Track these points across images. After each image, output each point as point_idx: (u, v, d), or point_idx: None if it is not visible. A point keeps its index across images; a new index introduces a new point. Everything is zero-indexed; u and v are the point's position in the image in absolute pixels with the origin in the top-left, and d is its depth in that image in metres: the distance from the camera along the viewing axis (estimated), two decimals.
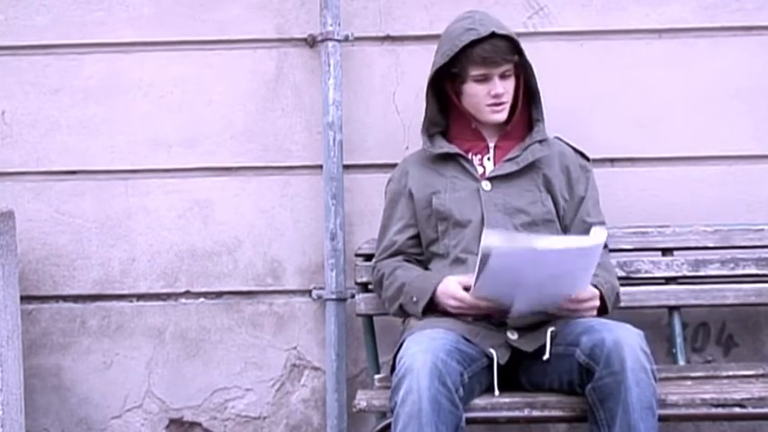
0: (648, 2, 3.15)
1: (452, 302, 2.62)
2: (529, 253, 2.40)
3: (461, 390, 2.44)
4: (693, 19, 3.14)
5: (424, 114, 2.83)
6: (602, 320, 2.54)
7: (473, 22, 2.71)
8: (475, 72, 2.71)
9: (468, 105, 2.78)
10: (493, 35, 2.68)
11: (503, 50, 2.70)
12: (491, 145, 2.82)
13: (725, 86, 3.14)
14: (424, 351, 2.43)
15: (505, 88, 2.74)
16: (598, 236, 2.43)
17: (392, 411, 2.41)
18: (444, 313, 2.65)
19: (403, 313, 2.77)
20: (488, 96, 2.73)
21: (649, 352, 2.44)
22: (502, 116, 2.77)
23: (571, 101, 3.07)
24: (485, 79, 2.72)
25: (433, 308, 2.67)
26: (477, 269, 2.46)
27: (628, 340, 2.42)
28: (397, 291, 2.74)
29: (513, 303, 2.54)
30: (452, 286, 2.63)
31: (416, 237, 2.83)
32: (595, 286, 2.61)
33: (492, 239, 2.40)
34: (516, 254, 2.41)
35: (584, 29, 3.15)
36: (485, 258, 2.42)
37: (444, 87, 2.81)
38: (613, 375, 2.39)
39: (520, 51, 2.74)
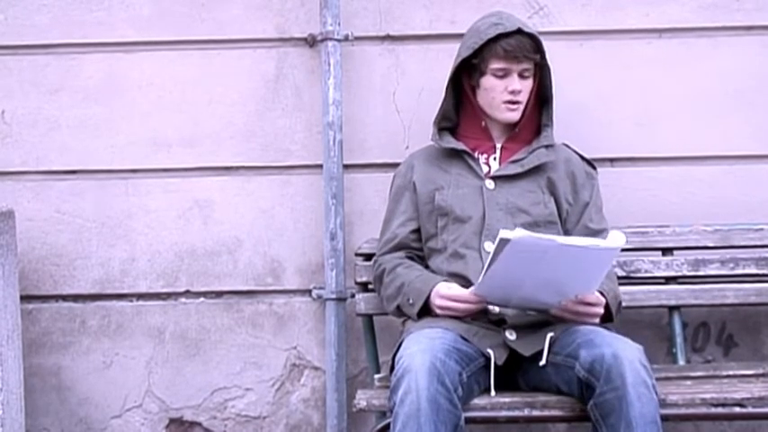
0: (648, 2, 3.15)
1: (439, 302, 2.63)
2: (547, 245, 2.40)
3: (460, 389, 2.44)
4: (693, 19, 3.14)
5: (439, 106, 2.84)
6: (602, 333, 2.53)
7: (500, 19, 2.77)
8: (496, 65, 2.74)
9: (483, 101, 2.80)
10: (518, 31, 2.72)
11: (526, 47, 2.73)
12: (498, 145, 2.84)
13: (725, 86, 3.14)
14: (423, 351, 2.43)
15: (523, 87, 2.76)
16: (617, 239, 2.43)
17: (391, 411, 2.41)
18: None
19: (400, 313, 2.77)
20: (505, 92, 2.75)
21: (649, 366, 2.43)
22: (515, 115, 2.79)
23: (571, 100, 3.07)
24: (504, 74, 2.75)
25: (428, 311, 2.67)
26: (488, 261, 2.46)
27: (626, 354, 2.41)
28: (397, 290, 2.74)
29: (510, 302, 2.54)
30: (443, 287, 2.64)
31: (418, 231, 2.84)
32: (602, 294, 2.61)
33: (512, 232, 2.40)
34: (535, 243, 2.39)
35: (584, 28, 3.15)
36: (501, 246, 2.40)
37: (462, 82, 2.83)
38: (614, 391, 2.38)
39: (542, 53, 2.77)
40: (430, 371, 2.38)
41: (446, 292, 2.63)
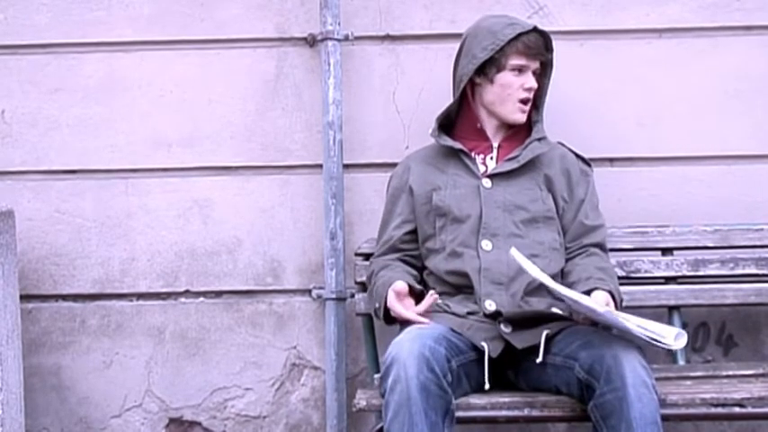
0: (648, 2, 3.15)
1: (392, 309, 2.65)
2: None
3: (449, 375, 2.44)
4: (693, 19, 3.14)
5: (448, 105, 2.84)
6: (601, 334, 2.54)
7: (511, 19, 2.80)
8: (515, 61, 2.76)
9: (493, 97, 2.79)
10: (535, 29, 2.77)
11: (542, 45, 2.79)
12: (494, 145, 2.84)
13: (725, 86, 3.14)
14: (412, 339, 2.44)
15: (535, 85, 2.79)
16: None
17: (382, 396, 2.42)
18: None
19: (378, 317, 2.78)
20: (521, 89, 2.77)
21: (648, 366, 2.43)
22: (524, 117, 2.81)
23: (571, 100, 3.07)
24: (521, 71, 2.77)
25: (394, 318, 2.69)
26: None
27: (626, 355, 2.41)
28: (374, 293, 2.76)
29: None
30: (391, 296, 2.64)
31: (413, 232, 2.85)
32: (610, 294, 2.62)
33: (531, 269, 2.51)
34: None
35: (584, 28, 3.15)
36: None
37: (464, 84, 2.82)
38: (614, 392, 2.38)
39: (551, 51, 2.82)
40: (418, 358, 2.39)
41: (395, 307, 2.64)
